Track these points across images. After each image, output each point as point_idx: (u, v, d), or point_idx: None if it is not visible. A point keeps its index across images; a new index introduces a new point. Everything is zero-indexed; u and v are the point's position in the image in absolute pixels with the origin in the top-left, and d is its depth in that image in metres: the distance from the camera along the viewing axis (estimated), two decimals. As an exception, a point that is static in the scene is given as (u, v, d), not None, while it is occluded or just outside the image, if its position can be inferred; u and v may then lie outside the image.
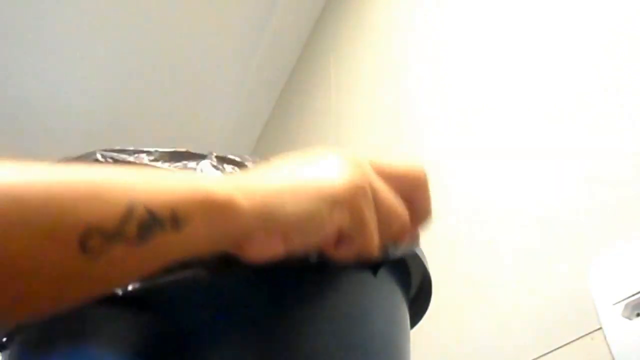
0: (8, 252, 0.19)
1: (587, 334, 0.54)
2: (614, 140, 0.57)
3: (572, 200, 0.61)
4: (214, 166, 0.32)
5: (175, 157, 0.33)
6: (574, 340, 0.56)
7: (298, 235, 0.27)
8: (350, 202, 0.28)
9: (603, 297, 0.52)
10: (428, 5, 1.02)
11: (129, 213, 0.22)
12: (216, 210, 0.24)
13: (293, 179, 0.27)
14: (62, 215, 0.20)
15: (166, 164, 0.32)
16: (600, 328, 0.53)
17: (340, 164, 0.29)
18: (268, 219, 0.26)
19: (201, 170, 0.32)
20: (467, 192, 0.78)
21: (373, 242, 0.29)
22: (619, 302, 0.50)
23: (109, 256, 0.21)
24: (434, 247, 0.82)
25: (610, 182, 0.56)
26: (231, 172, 0.32)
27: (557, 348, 0.57)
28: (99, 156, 0.31)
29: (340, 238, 0.28)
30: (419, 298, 0.43)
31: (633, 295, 0.49)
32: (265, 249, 0.26)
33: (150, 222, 0.22)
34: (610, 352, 0.51)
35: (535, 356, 0.60)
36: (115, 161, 0.31)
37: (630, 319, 0.50)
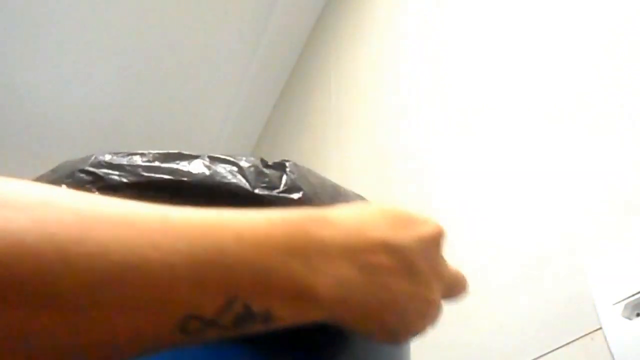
0: (110, 325, 0.21)
1: (587, 334, 0.54)
2: (614, 140, 0.57)
3: (572, 200, 0.60)
4: (207, 166, 0.32)
5: (168, 158, 0.33)
6: (574, 340, 0.56)
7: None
8: (399, 339, 0.31)
9: (603, 297, 0.52)
10: (428, 5, 1.02)
11: (227, 306, 0.23)
12: (308, 308, 0.26)
13: (383, 304, 0.29)
14: (166, 302, 0.22)
15: (159, 163, 0.32)
16: (600, 328, 0.53)
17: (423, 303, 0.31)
18: (341, 321, 0.28)
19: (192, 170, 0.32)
20: (468, 191, 0.78)
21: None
22: (619, 302, 0.50)
23: (202, 337, 0.23)
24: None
25: (610, 182, 0.56)
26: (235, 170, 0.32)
27: (557, 348, 0.57)
28: (95, 160, 0.32)
29: None
30: None
31: (633, 295, 0.49)
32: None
33: (246, 317, 0.24)
34: (610, 352, 0.51)
35: (535, 356, 0.59)
36: (111, 165, 0.31)
37: (630, 319, 0.50)
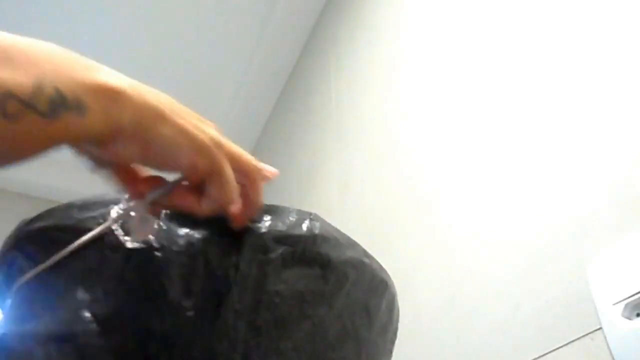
0: None
1: (587, 334, 0.54)
2: (613, 140, 0.57)
3: (572, 200, 0.61)
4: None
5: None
6: (574, 340, 0.56)
7: (158, 155, 0.31)
8: (210, 151, 0.33)
9: (603, 297, 0.52)
10: (428, 4, 1.02)
11: (39, 87, 0.25)
12: (112, 98, 0.28)
13: (173, 103, 0.33)
14: None
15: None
16: (600, 328, 0.53)
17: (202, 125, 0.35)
18: (140, 127, 0.30)
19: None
20: (468, 192, 0.78)
21: (232, 193, 0.33)
22: (619, 302, 0.50)
23: (24, 123, 0.25)
24: (434, 246, 0.82)
25: (609, 181, 0.56)
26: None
27: (557, 348, 0.57)
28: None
29: (201, 186, 0.33)
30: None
31: (633, 295, 0.49)
32: (125, 152, 0.30)
33: (58, 101, 0.26)
34: (610, 352, 0.51)
35: (535, 356, 0.60)
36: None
37: (630, 319, 0.50)
